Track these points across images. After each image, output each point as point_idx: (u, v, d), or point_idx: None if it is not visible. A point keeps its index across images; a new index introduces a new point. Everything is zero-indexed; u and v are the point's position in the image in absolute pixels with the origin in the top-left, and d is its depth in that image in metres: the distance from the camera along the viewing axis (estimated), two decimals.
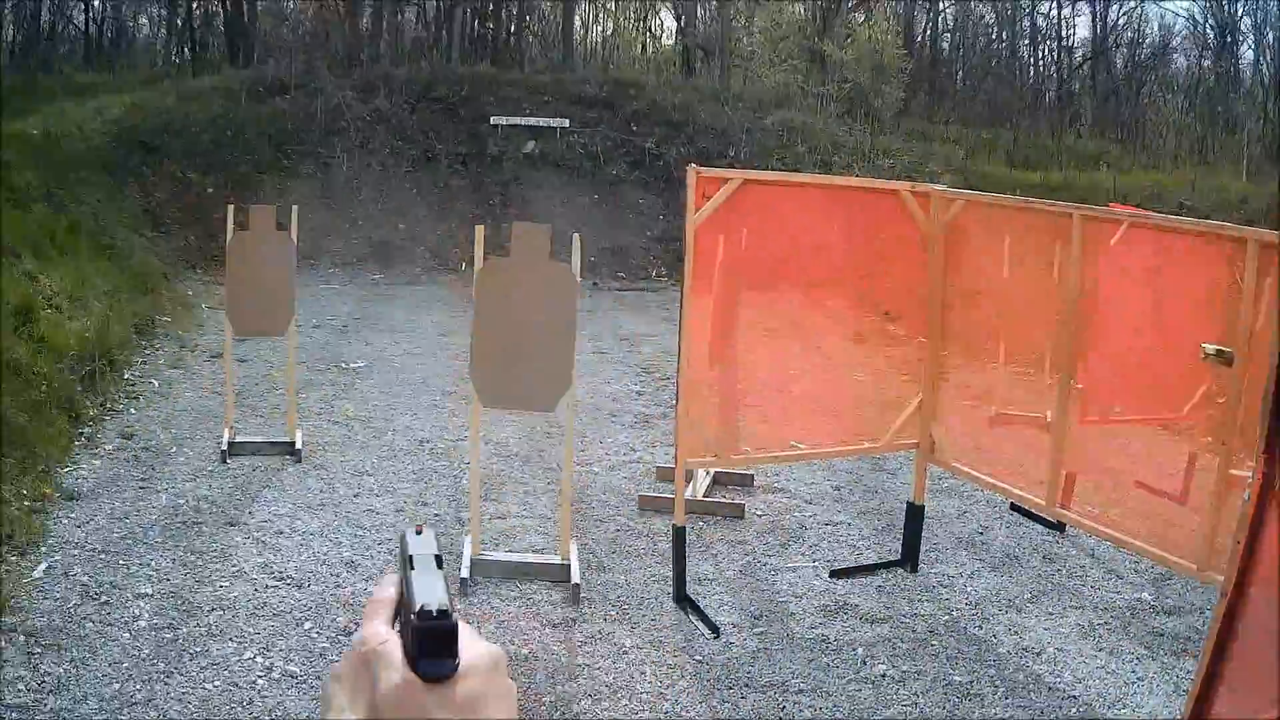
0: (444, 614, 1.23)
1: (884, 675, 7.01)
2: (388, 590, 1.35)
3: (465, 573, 7.88)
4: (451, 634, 1.24)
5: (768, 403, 8.14)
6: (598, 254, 19.04)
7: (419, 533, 1.38)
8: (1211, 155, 27.20)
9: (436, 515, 9.20)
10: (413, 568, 1.31)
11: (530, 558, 8.27)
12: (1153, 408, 6.99)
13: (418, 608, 1.24)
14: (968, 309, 7.97)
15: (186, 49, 33.55)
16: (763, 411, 8.08)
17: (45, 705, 6.25)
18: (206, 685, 6.51)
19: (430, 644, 1.23)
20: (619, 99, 24.57)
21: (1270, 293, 5.65)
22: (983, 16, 36.67)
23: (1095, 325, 6.95)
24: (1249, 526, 3.96)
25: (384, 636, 1.27)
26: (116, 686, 6.45)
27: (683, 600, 7.74)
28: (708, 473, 9.66)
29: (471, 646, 1.26)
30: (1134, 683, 7.19)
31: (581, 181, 22.56)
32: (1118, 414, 7.31)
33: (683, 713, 6.51)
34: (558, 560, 8.11)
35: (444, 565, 1.33)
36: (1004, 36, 36.24)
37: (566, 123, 23.22)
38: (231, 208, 10.19)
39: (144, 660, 6.76)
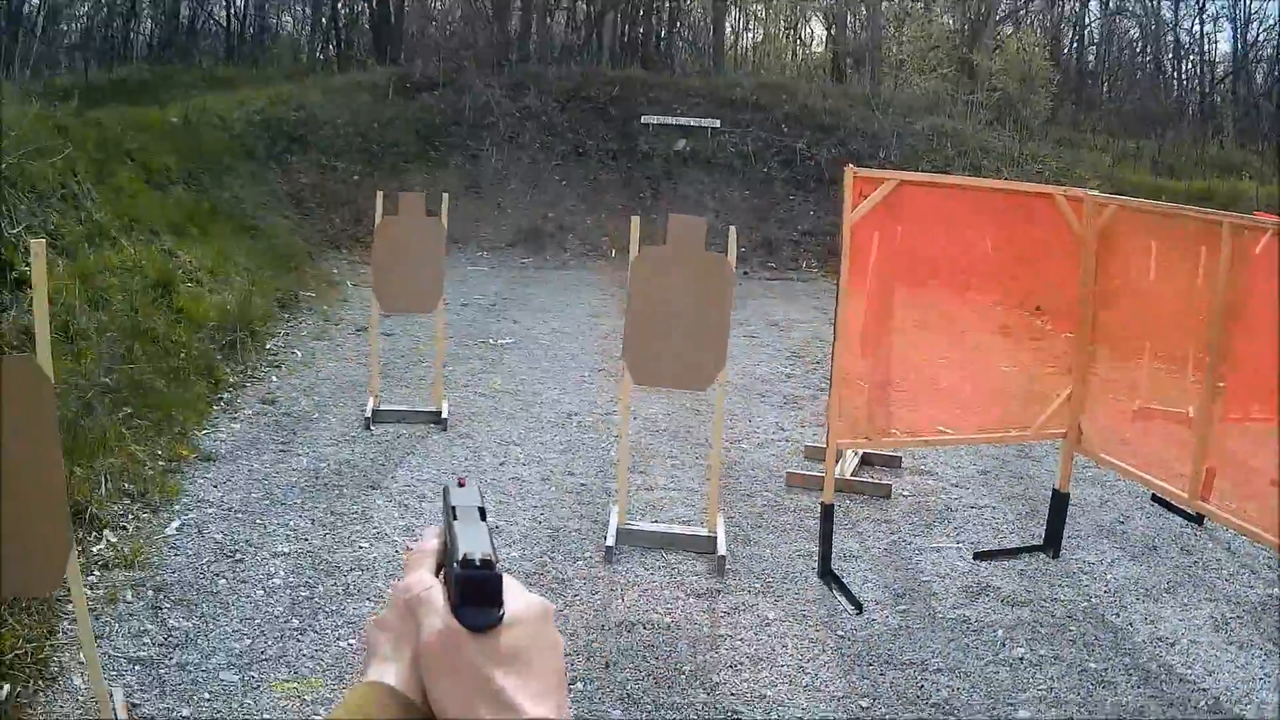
0: (487, 564, 1.25)
1: (1022, 658, 7.07)
2: (431, 541, 1.39)
3: (611, 541, 8.08)
4: (495, 584, 1.25)
5: (917, 390, 8.25)
6: (748, 246, 19.08)
7: (461, 485, 1.42)
8: None
9: (583, 485, 9.40)
10: (456, 518, 1.34)
11: (676, 529, 8.45)
12: None
13: (460, 556, 1.25)
14: (1115, 308, 8.03)
15: (331, 46, 33.98)
16: (912, 398, 8.20)
17: (171, 659, 6.45)
18: (340, 643, 6.73)
19: (473, 593, 1.24)
20: (769, 102, 24.59)
21: None
22: (1128, 30, 36.45)
23: (1239, 328, 6.96)
24: None
25: (428, 584, 1.29)
26: (247, 642, 6.66)
27: (827, 575, 7.87)
28: (856, 454, 9.81)
29: (518, 597, 1.27)
30: (1262, 678, 7.18)
31: (732, 179, 22.61)
32: (1259, 414, 7.34)
33: (822, 686, 6.61)
34: (704, 532, 8.29)
35: (487, 517, 1.36)
36: (1148, 50, 35.98)
37: (718, 123, 23.30)
38: (381, 193, 10.50)
39: (277, 617, 6.98)
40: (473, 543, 1.27)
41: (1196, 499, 7.36)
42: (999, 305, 8.49)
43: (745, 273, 18.65)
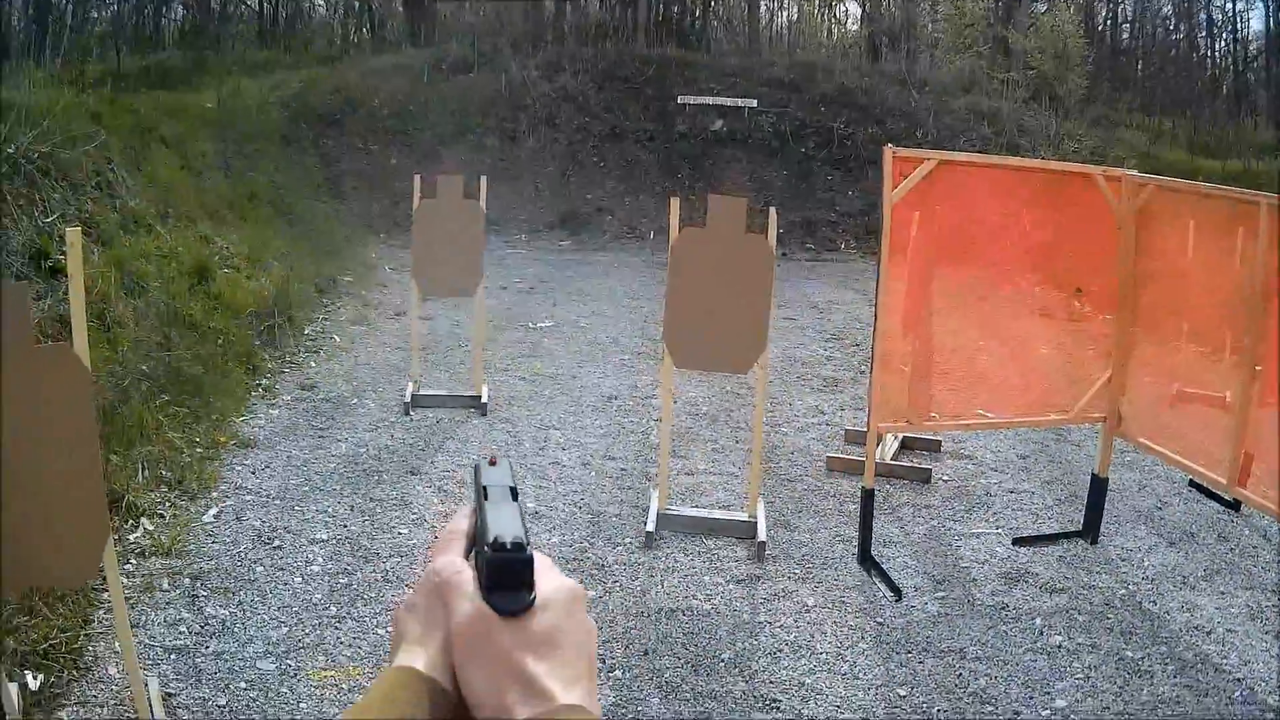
0: (518, 546, 1.22)
1: (1059, 646, 7.05)
2: (461, 523, 1.36)
3: (651, 526, 8.08)
4: (526, 567, 1.23)
5: (957, 373, 8.22)
6: (787, 227, 18.98)
7: (493, 464, 1.38)
8: None
9: (623, 469, 9.41)
10: (487, 499, 1.31)
11: (717, 514, 8.45)
12: None
13: (491, 539, 1.23)
14: (1153, 289, 7.97)
15: (365, 29, 33.98)
16: (952, 381, 8.17)
17: (207, 648, 6.47)
18: (379, 630, 6.73)
19: (504, 577, 1.22)
20: (806, 82, 24.53)
21: None
22: (1160, 8, 36.20)
23: (1277, 310, 6.89)
24: None
25: (458, 567, 1.27)
26: (285, 630, 6.67)
27: (867, 561, 7.87)
28: (896, 437, 9.80)
29: (549, 580, 1.26)
30: None
31: (770, 159, 22.59)
32: None
33: (860, 675, 6.60)
34: (744, 517, 8.28)
35: (519, 497, 1.32)
36: (1181, 28, 35.74)
37: (754, 103, 23.26)
38: (418, 177, 10.51)
39: (315, 605, 6.99)
40: (504, 525, 1.25)
41: (1234, 485, 7.30)
42: (1038, 287, 8.44)
43: (784, 254, 18.59)
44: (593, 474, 9.27)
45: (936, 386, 8.06)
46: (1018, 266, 8.28)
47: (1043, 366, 8.47)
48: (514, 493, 1.33)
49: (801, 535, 8.36)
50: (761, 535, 8.03)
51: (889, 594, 7.51)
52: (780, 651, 6.79)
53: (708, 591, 7.45)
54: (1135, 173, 8.09)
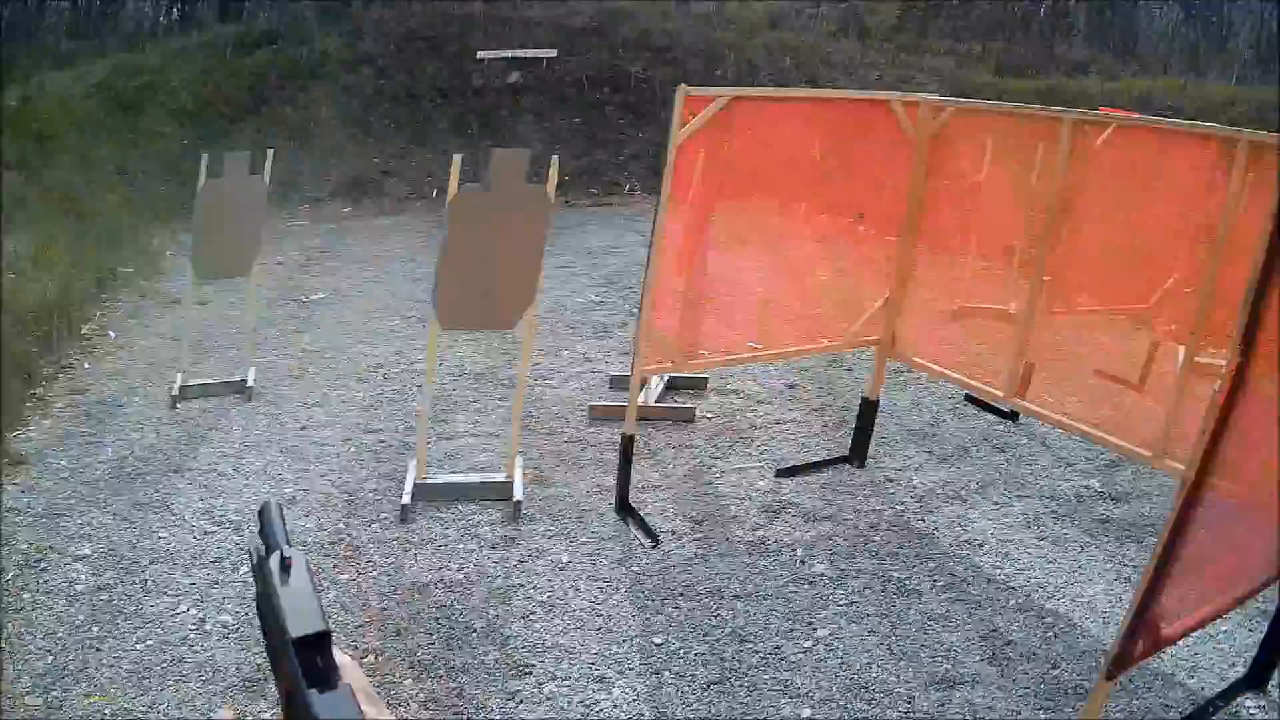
0: (322, 638, 1.18)
1: (821, 575, 6.92)
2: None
3: (406, 499, 7.77)
4: (331, 665, 1.19)
5: (732, 308, 8.00)
6: (573, 174, 18.82)
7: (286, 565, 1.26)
8: (1202, 63, 26.89)
9: (383, 442, 9.01)
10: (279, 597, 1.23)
11: (473, 478, 8.13)
12: (1120, 299, 6.88)
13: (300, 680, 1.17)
14: (943, 210, 7.84)
15: (175, 9, 33.34)
16: (726, 317, 7.95)
17: None
18: (137, 646, 6.31)
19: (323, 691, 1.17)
20: (610, 27, 24.31)
21: (1253, 191, 5.56)
22: None
23: (1071, 221, 6.83)
24: (1217, 416, 3.86)
25: None
26: (50, 659, 6.20)
27: (624, 510, 7.65)
28: (662, 379, 9.59)
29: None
30: (1075, 571, 7.10)
31: (564, 108, 22.32)
32: (1084, 305, 7.19)
33: (614, 627, 6.39)
34: (501, 477, 7.99)
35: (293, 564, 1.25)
36: None
37: (554, 53, 22.98)
38: (206, 156, 10.00)
39: (78, 627, 6.53)
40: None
41: (1014, 396, 7.20)
42: (823, 215, 8.24)
43: (567, 202, 18.38)
44: (353, 450, 8.90)
45: (708, 325, 7.84)
46: (804, 196, 8.07)
47: (819, 295, 8.28)
48: (285, 565, 1.26)
49: (560, 490, 8.10)
50: (518, 494, 7.76)
51: (646, 541, 7.31)
52: (533, 614, 6.53)
53: (461, 561, 7.15)
54: (933, 96, 7.88)
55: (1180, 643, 6.40)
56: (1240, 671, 6.29)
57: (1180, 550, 4.22)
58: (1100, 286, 6.98)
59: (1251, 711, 5.99)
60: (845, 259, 8.37)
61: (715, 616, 6.47)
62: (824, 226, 8.22)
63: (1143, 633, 4.35)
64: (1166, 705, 5.95)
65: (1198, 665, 6.37)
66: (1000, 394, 7.31)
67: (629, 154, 21.18)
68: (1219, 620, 6.64)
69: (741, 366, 9.68)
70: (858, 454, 8.41)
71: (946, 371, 7.79)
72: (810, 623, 6.41)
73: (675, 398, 9.66)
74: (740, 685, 5.87)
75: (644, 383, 8.68)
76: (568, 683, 5.88)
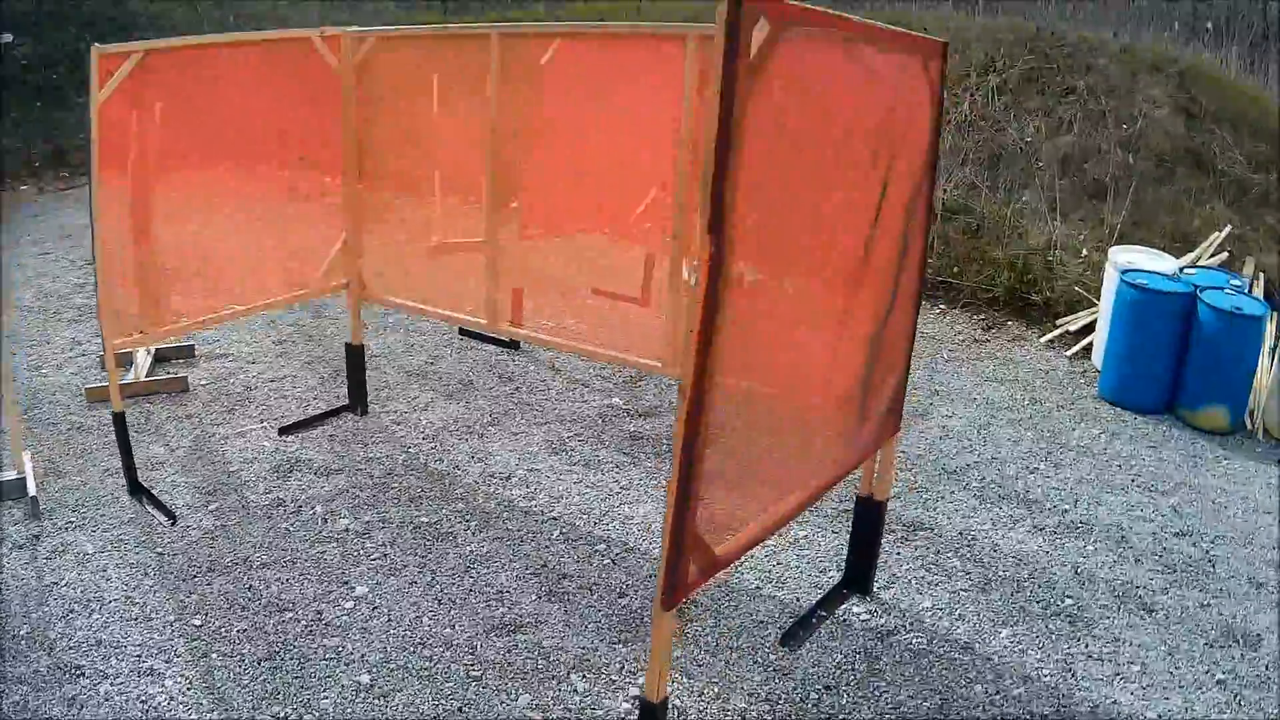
0: None
1: (347, 530, 6.75)
2: None
3: None
4: None
5: (194, 270, 7.65)
6: (40, 160, 17.87)
7: None
8: None
9: None
10: None
11: None
12: (602, 217, 6.83)
13: None
14: (397, 144, 7.63)
15: None
16: (188, 280, 7.58)
17: None
18: None
19: None
20: (73, 10, 23.06)
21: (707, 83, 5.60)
22: None
23: (540, 143, 6.82)
24: (701, 311, 3.74)
25: None
26: None
27: (138, 490, 7.24)
28: (149, 352, 9.11)
29: None
30: (616, 493, 7.18)
31: (24, 91, 21.09)
32: (563, 226, 7.18)
33: (153, 615, 6.00)
34: (12, 475, 7.46)
35: None
36: None
37: (10, 37, 21.63)
38: None
39: None
40: None
41: (505, 324, 7.15)
42: (273, 164, 7.92)
43: (40, 188, 17.42)
44: None
45: (172, 291, 7.48)
46: (251, 147, 7.72)
47: (281, 245, 7.96)
48: None
49: (74, 479, 7.54)
50: (32, 490, 7.25)
51: (164, 520, 6.92)
52: (73, 612, 6.06)
53: None
54: (355, 28, 7.68)
55: (758, 553, 6.55)
56: (834, 577, 6.46)
57: (706, 462, 4.05)
58: (583, 205, 6.91)
59: (862, 617, 6.15)
60: (302, 207, 8.08)
61: (248, 589, 6.18)
62: (272, 175, 7.90)
63: (692, 555, 4.21)
64: (760, 622, 6.04)
65: (785, 576, 6.51)
66: (484, 323, 7.27)
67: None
68: (793, 526, 6.87)
69: (228, 326, 9.39)
70: (358, 401, 8.28)
71: (424, 307, 7.70)
72: (346, 582, 6.23)
73: (167, 369, 9.22)
74: (290, 658, 5.62)
75: (132, 360, 8.41)
76: (120, 680, 5.48)
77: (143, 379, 8.73)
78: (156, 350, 9.14)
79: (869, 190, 4.90)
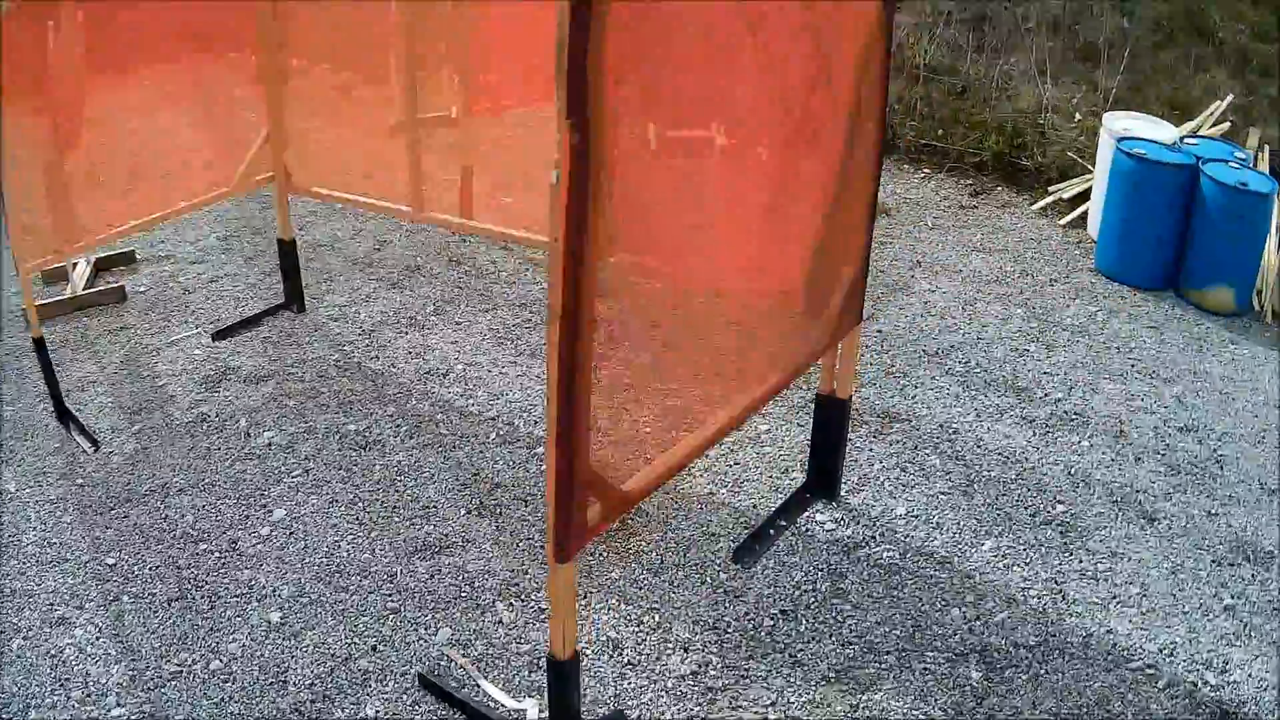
0: None
1: (270, 444, 6.41)
2: None
3: None
4: None
5: (107, 179, 7.21)
6: None
7: None
8: None
9: None
10: None
11: None
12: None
13: None
14: (310, 30, 7.13)
15: None
16: (103, 190, 7.16)
17: None
18: None
19: None
20: None
21: None
22: None
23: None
24: (565, 206, 3.15)
25: None
26: None
27: (65, 417, 6.86)
28: (88, 263, 8.70)
29: None
30: (537, 378, 6.91)
31: None
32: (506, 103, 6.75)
33: (68, 555, 5.66)
34: None
35: None
36: None
37: None
38: None
39: None
40: None
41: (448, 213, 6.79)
42: (185, 57, 7.35)
43: None
44: None
45: (87, 202, 7.04)
46: (143, 35, 7.24)
47: (201, 142, 7.51)
48: None
49: (5, 409, 7.16)
50: None
51: (88, 446, 6.56)
52: None
53: None
54: None
55: (712, 453, 6.18)
56: (798, 479, 6.12)
57: (601, 377, 3.56)
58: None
59: (827, 527, 5.82)
60: (216, 101, 7.58)
61: (164, 519, 5.84)
62: (180, 66, 7.37)
63: (593, 493, 3.67)
64: (711, 534, 5.73)
65: (744, 478, 6.19)
66: (407, 210, 6.96)
67: None
68: (753, 421, 6.45)
69: (170, 226, 8.88)
70: (295, 298, 7.90)
71: (354, 198, 7.34)
72: (264, 505, 5.90)
73: (106, 279, 8.79)
74: (201, 596, 5.30)
75: (65, 272, 8.14)
76: (30, 634, 5.16)
77: (81, 292, 8.33)
78: (97, 259, 8.73)
79: (802, 38, 4.23)
